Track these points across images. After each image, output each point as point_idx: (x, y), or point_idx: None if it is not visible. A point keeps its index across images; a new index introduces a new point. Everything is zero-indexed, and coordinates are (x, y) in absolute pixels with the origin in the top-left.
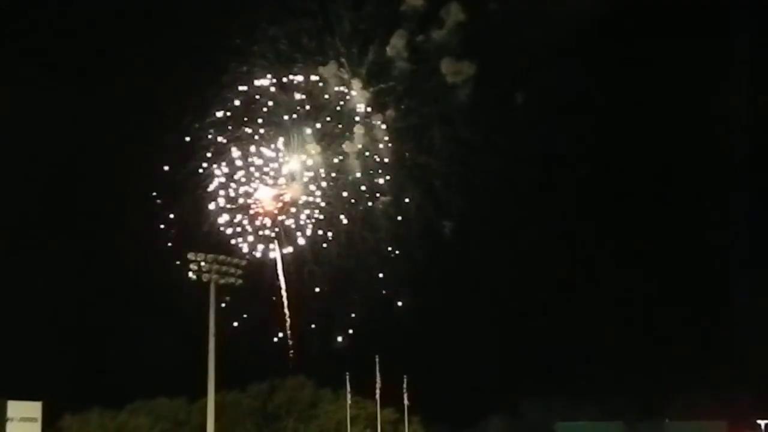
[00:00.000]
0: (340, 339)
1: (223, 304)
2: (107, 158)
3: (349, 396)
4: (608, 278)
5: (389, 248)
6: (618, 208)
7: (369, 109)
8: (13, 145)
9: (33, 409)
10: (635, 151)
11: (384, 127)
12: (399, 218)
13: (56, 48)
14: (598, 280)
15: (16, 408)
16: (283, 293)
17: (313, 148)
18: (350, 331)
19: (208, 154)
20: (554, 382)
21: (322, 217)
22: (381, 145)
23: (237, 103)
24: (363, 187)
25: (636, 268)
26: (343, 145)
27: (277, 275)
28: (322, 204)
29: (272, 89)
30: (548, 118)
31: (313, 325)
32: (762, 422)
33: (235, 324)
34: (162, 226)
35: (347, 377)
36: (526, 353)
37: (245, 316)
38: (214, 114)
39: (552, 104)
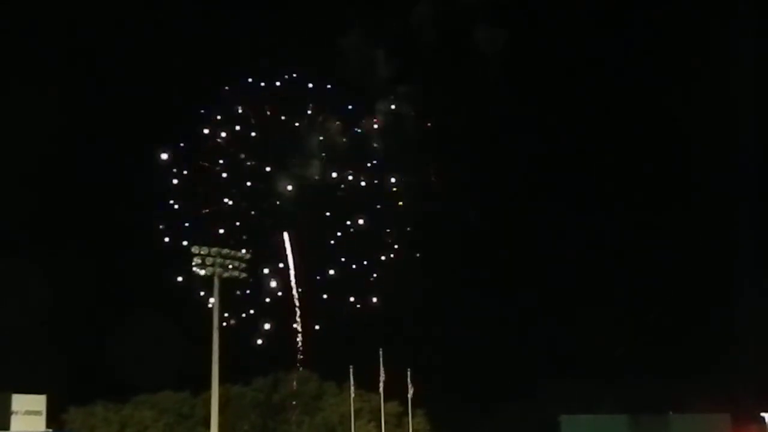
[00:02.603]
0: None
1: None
2: (110, 151)
3: (353, 389)
4: (613, 272)
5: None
6: (624, 202)
7: (392, 83)
8: (13, 143)
9: (37, 402)
10: (646, 142)
11: (408, 102)
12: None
13: (56, 38)
14: (604, 272)
15: (20, 401)
16: (294, 287)
17: (333, 126)
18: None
19: (219, 130)
20: (558, 376)
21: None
22: (405, 122)
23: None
24: (385, 168)
25: (642, 263)
26: (365, 122)
27: (285, 265)
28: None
29: (289, 62)
30: (587, 92)
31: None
32: (766, 415)
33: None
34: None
35: (351, 370)
36: (532, 347)
37: (251, 311)
38: (227, 90)
39: (591, 76)
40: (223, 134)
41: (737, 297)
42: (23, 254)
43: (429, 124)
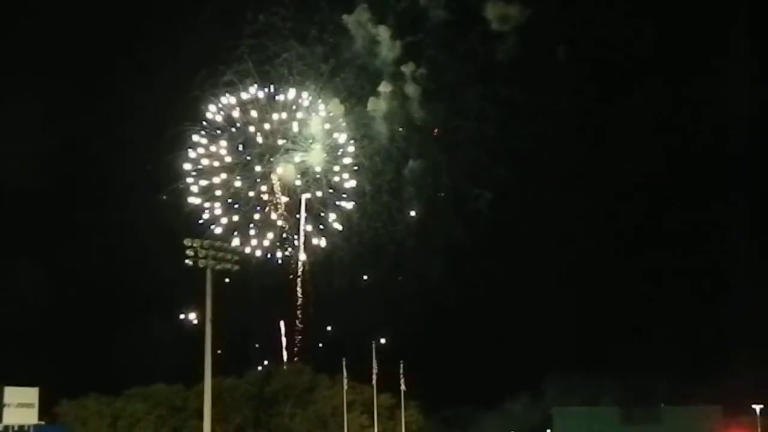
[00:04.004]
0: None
1: None
2: (105, 147)
3: (345, 381)
4: (608, 264)
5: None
6: (623, 202)
7: (398, 64)
8: (12, 141)
9: (30, 395)
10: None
11: (414, 84)
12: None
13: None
14: (598, 266)
15: (12, 394)
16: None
17: (336, 109)
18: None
19: (217, 118)
20: (551, 370)
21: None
22: (411, 105)
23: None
24: (390, 152)
25: (638, 257)
26: (369, 105)
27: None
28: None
29: (291, 41)
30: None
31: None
32: (757, 407)
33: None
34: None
35: (344, 363)
36: (526, 342)
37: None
38: (225, 72)
39: (608, 61)
40: (221, 141)
41: (730, 294)
42: (19, 251)
43: (436, 131)
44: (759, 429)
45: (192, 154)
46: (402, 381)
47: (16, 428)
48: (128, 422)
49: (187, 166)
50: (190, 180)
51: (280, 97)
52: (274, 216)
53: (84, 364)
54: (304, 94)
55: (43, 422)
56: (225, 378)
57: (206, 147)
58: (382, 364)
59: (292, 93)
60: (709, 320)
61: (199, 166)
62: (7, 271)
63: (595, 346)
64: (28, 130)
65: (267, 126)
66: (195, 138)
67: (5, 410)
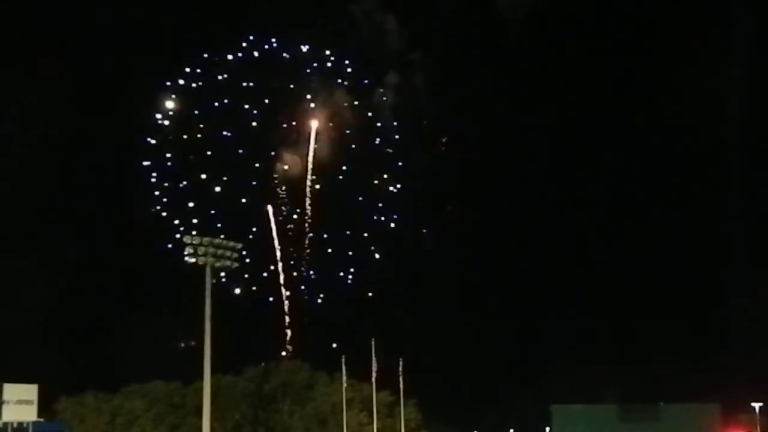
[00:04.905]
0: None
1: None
2: (103, 141)
3: (344, 379)
4: (607, 264)
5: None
6: (621, 202)
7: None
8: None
9: (29, 391)
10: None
11: (422, 74)
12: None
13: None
14: (598, 265)
15: (12, 390)
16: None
17: (342, 99)
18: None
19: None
20: (550, 367)
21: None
22: (418, 95)
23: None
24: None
25: (637, 257)
26: (375, 96)
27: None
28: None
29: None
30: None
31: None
32: (756, 405)
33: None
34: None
35: (343, 360)
36: (522, 339)
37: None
38: (226, 60)
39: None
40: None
41: (728, 293)
42: (18, 248)
43: (444, 139)
44: (758, 427)
45: (153, 140)
46: (401, 378)
47: (15, 425)
48: (126, 419)
49: (146, 162)
50: (152, 180)
51: (287, 55)
52: (275, 233)
53: (83, 362)
54: (326, 52)
55: (41, 419)
56: (223, 375)
57: (174, 132)
58: (381, 362)
59: (306, 49)
60: (708, 319)
61: (168, 163)
62: (6, 269)
63: (595, 343)
64: (26, 127)
65: (267, 101)
66: (158, 117)
67: (4, 407)
